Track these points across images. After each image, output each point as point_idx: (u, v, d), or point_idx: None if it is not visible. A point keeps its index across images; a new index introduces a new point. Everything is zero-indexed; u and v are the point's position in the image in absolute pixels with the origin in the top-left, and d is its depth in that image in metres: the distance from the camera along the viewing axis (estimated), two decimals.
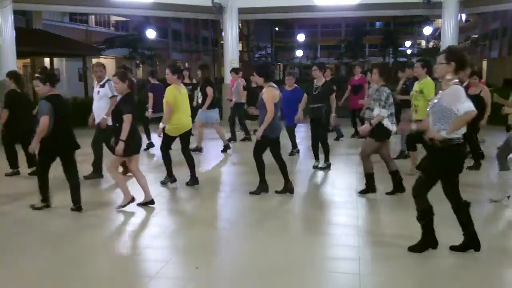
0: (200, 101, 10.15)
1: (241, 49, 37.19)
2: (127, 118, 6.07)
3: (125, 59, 33.15)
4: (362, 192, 6.87)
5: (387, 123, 6.56)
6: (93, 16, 38.16)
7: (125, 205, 6.33)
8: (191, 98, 8.72)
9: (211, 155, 10.25)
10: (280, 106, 6.82)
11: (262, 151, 6.85)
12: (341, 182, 7.83)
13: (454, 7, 15.30)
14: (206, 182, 7.84)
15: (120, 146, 6.08)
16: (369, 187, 6.85)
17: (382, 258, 4.71)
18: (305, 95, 8.88)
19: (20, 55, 13.89)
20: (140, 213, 6.32)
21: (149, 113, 10.52)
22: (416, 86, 7.69)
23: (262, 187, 6.96)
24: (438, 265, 4.51)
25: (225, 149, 10.51)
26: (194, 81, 12.75)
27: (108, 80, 7.96)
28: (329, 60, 54.63)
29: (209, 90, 9.94)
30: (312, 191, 7.29)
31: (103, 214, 6.30)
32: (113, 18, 41.35)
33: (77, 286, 4.24)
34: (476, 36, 47.78)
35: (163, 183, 7.61)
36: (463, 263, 4.57)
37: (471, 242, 4.71)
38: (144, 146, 10.94)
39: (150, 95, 10.62)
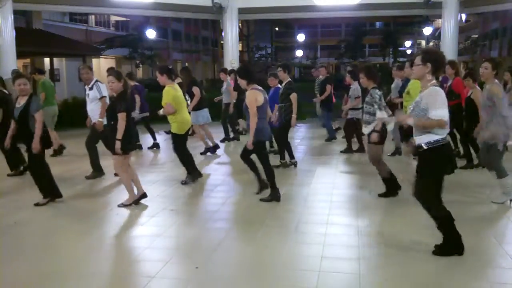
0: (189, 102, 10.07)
1: (241, 49, 37.14)
2: (122, 116, 6.12)
3: (125, 59, 33.19)
4: (382, 196, 6.73)
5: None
6: (93, 16, 38.16)
7: (129, 204, 6.37)
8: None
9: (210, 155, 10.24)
10: (266, 108, 6.76)
11: (250, 154, 6.77)
12: (341, 182, 7.83)
13: (454, 7, 15.33)
14: (206, 182, 7.85)
15: (117, 145, 6.14)
16: (389, 191, 6.71)
17: (382, 258, 4.71)
18: (294, 94, 8.59)
19: (20, 55, 13.92)
20: (140, 213, 6.32)
21: (136, 114, 10.52)
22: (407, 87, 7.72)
23: (274, 194, 6.73)
24: (438, 265, 4.51)
25: (206, 151, 10.41)
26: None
27: (96, 81, 8.02)
28: (329, 60, 54.68)
29: (196, 90, 9.89)
30: (312, 191, 7.27)
31: (103, 214, 6.31)
32: (113, 18, 41.35)
33: (78, 286, 4.24)
34: (476, 36, 47.81)
35: (185, 183, 7.63)
36: (464, 263, 4.57)
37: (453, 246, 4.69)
38: (149, 144, 11.00)
39: (137, 97, 10.76)
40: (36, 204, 6.48)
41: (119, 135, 6.12)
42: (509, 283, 4.27)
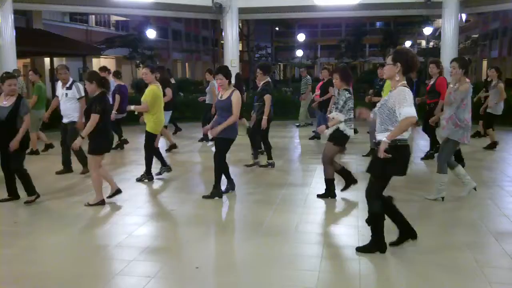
0: None
1: (241, 49, 37.13)
2: (94, 117, 6.26)
3: (125, 59, 33.18)
4: (321, 196, 6.83)
5: (343, 127, 6.48)
6: (93, 16, 38.15)
7: (95, 204, 6.50)
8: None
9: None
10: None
11: (225, 153, 6.87)
12: (341, 182, 7.82)
13: (454, 7, 15.33)
14: (204, 181, 7.86)
15: (78, 141, 6.39)
16: (329, 192, 6.80)
17: (382, 258, 4.70)
18: (268, 95, 8.62)
19: (20, 55, 13.94)
20: (139, 213, 6.33)
21: (113, 114, 10.58)
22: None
23: (217, 192, 6.87)
24: (438, 265, 4.51)
25: (171, 148, 10.78)
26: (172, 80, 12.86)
27: (73, 81, 8.31)
28: (329, 60, 54.60)
29: (168, 91, 10.22)
30: (312, 191, 7.27)
31: (102, 214, 6.31)
32: (113, 18, 41.35)
33: (76, 286, 4.24)
34: (476, 36, 47.80)
35: (140, 180, 7.90)
36: (463, 263, 4.57)
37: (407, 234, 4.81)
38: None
39: (117, 97, 10.83)
40: (26, 202, 6.60)
41: (85, 133, 6.31)
42: (508, 283, 4.26)
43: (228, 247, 5.16)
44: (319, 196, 6.85)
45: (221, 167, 6.86)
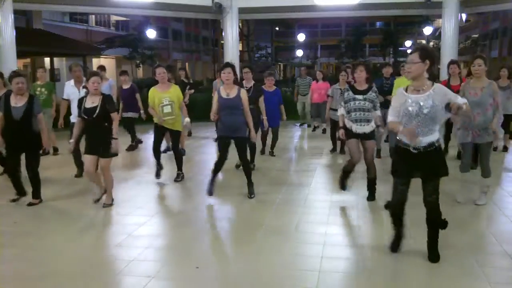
0: None
1: (241, 49, 37.15)
2: (117, 117, 6.35)
3: (125, 59, 33.17)
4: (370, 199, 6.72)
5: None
6: (93, 16, 38.15)
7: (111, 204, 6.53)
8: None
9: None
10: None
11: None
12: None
13: (454, 7, 15.31)
14: (204, 182, 7.86)
15: (117, 145, 6.30)
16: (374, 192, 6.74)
17: (382, 258, 4.70)
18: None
19: (20, 54, 13.92)
20: (140, 213, 6.33)
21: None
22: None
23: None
24: (438, 265, 4.51)
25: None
26: (191, 80, 12.84)
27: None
28: (329, 60, 54.61)
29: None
30: (312, 191, 7.27)
31: (103, 214, 6.31)
32: (114, 18, 41.34)
33: (76, 286, 4.25)
34: (476, 36, 47.83)
35: (178, 181, 7.87)
36: (463, 263, 4.57)
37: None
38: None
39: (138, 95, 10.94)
40: (30, 204, 6.58)
41: (115, 133, 6.27)
42: (509, 282, 4.26)
43: (228, 247, 5.16)
44: (369, 200, 6.69)
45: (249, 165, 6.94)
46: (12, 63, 12.58)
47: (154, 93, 7.58)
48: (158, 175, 7.88)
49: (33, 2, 15.06)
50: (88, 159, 6.29)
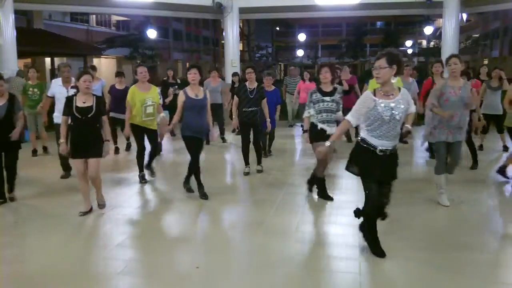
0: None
1: (241, 49, 37.15)
2: (106, 120, 6.29)
3: (126, 59, 33.19)
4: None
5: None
6: (94, 16, 38.16)
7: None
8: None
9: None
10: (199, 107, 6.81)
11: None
12: (342, 182, 7.83)
13: (455, 6, 15.31)
14: (206, 182, 7.87)
15: (109, 147, 6.31)
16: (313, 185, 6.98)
17: (384, 258, 4.70)
18: (235, 99, 8.40)
19: (21, 54, 13.91)
20: (140, 212, 6.33)
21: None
22: None
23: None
24: (440, 265, 4.51)
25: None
26: (178, 80, 12.81)
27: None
28: (330, 59, 54.53)
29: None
30: (313, 191, 7.27)
31: (103, 215, 6.31)
32: (114, 18, 41.35)
33: (79, 286, 4.25)
34: (477, 35, 47.77)
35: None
36: (474, 263, 4.57)
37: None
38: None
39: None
40: (12, 199, 6.80)
41: (109, 136, 6.29)
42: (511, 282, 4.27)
43: (229, 246, 5.16)
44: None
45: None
46: (13, 63, 12.60)
47: (134, 92, 7.53)
48: (143, 178, 7.87)
49: (33, 2, 15.05)
50: (78, 162, 6.15)
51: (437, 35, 39.72)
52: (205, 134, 7.04)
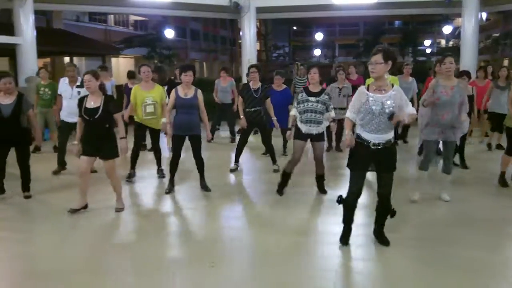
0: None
1: (258, 49, 37.13)
2: (121, 116, 6.31)
3: (143, 59, 33.38)
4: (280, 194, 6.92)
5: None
6: (112, 16, 38.44)
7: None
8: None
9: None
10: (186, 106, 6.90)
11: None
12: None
13: (474, 5, 15.14)
14: (215, 182, 7.90)
15: (125, 144, 6.22)
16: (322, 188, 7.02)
17: (398, 258, 4.68)
18: (240, 98, 8.48)
19: (40, 54, 14.08)
20: (157, 211, 6.38)
21: None
22: None
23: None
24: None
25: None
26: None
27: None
28: (347, 59, 54.25)
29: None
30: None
31: (113, 212, 6.36)
32: (132, 18, 41.60)
33: (93, 282, 4.29)
34: (497, 35, 47.15)
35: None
36: (485, 264, 4.53)
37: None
38: None
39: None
40: (27, 198, 6.88)
41: (122, 133, 6.22)
42: None
43: (243, 247, 5.16)
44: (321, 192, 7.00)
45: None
46: (32, 62, 12.77)
47: (137, 91, 7.68)
48: (131, 176, 7.91)
49: (53, 2, 15.25)
50: (84, 160, 6.08)
51: (456, 34, 39.30)
52: (198, 132, 7.03)
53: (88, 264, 4.68)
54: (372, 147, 4.59)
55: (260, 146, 9.70)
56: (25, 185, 6.94)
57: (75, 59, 25.17)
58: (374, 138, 4.57)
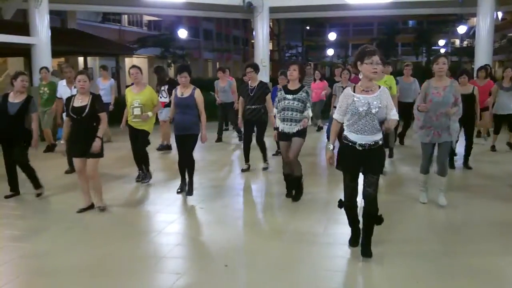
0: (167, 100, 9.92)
1: (271, 48, 37.14)
2: (105, 117, 6.21)
3: (157, 59, 33.54)
4: (290, 197, 6.76)
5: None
6: (126, 16, 38.66)
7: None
8: None
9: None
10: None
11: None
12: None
13: (489, 5, 14.96)
14: (233, 182, 7.90)
15: (98, 143, 6.06)
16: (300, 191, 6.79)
17: (408, 259, 4.66)
18: (241, 98, 8.54)
19: (55, 54, 14.19)
20: (170, 211, 6.40)
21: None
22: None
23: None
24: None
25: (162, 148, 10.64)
26: None
27: None
28: None
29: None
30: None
31: (131, 211, 6.39)
32: (146, 18, 41.81)
33: (106, 281, 4.32)
34: None
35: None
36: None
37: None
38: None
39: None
40: (38, 195, 6.91)
41: (101, 133, 6.12)
42: None
43: (255, 248, 5.16)
44: (288, 197, 6.79)
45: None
46: (47, 62, 12.86)
47: (128, 93, 7.69)
48: (141, 178, 7.88)
49: (68, 2, 15.36)
50: (76, 160, 6.15)
51: (471, 34, 38.98)
52: (194, 131, 6.97)
53: (100, 263, 4.70)
54: (359, 148, 4.51)
55: (272, 146, 9.71)
56: (34, 184, 6.94)
57: (89, 59, 25.34)
58: (360, 139, 4.49)
